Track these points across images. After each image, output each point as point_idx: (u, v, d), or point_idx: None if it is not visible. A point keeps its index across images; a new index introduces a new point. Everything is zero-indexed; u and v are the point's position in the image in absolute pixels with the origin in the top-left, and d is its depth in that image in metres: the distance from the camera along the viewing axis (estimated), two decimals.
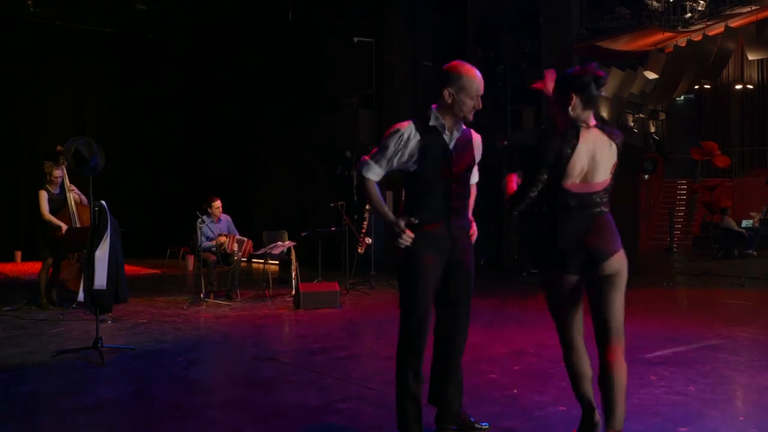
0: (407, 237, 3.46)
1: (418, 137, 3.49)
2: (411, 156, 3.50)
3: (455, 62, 3.62)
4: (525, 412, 4.22)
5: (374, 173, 3.54)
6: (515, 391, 4.63)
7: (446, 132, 3.59)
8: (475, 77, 3.56)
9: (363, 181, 3.56)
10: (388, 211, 3.54)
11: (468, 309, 3.75)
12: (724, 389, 4.62)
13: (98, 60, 18.13)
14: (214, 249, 9.14)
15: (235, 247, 9.09)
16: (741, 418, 3.99)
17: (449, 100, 3.52)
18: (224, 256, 9.15)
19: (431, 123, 3.56)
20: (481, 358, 5.60)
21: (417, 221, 3.49)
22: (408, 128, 3.51)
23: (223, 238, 9.11)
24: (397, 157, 3.50)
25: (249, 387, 4.81)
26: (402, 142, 3.48)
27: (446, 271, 3.60)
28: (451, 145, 3.60)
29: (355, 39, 14.30)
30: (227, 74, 17.55)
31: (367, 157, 3.55)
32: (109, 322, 7.25)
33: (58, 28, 16.38)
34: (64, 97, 18.03)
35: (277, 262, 11.44)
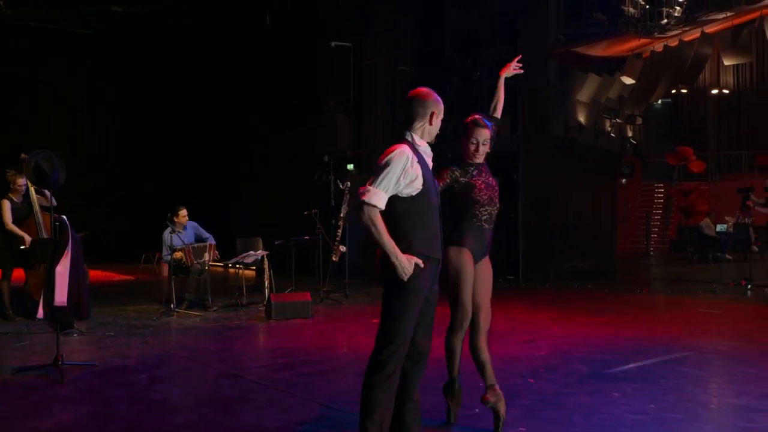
0: (411, 268, 3.36)
1: (416, 160, 3.42)
2: (412, 180, 3.39)
3: (425, 88, 3.63)
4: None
5: (382, 201, 3.32)
6: (477, 410, 4.61)
7: (426, 156, 3.58)
8: (441, 101, 3.64)
9: (368, 210, 3.29)
10: (394, 244, 3.33)
11: (431, 337, 3.74)
12: (684, 407, 4.63)
13: (75, 62, 17.93)
14: (174, 263, 9.02)
15: (193, 257, 8.98)
16: None
17: (432, 124, 3.55)
18: (181, 268, 9.04)
19: (418, 146, 3.53)
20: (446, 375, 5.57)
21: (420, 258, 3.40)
22: (409, 150, 3.41)
23: (179, 254, 8.98)
24: (403, 181, 3.36)
25: (210, 407, 4.75)
26: (409, 164, 3.36)
27: (426, 299, 3.56)
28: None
29: (333, 43, 14.24)
30: (207, 79, 17.43)
31: (370, 186, 3.32)
32: (75, 335, 7.16)
33: (32, 30, 16.18)
34: (40, 99, 17.82)
35: (254, 267, 11.38)
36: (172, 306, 8.69)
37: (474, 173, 4.20)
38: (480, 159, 4.23)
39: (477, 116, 4.24)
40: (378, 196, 3.32)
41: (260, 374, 5.70)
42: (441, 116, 3.61)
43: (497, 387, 4.14)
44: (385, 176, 3.33)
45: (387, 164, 3.35)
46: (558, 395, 5.00)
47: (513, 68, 4.63)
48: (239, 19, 16.22)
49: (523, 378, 5.48)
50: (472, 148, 4.17)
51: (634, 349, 6.48)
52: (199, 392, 5.25)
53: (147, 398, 4.97)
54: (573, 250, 13.64)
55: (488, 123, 4.24)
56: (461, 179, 4.15)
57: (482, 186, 4.18)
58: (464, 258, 4.09)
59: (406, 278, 3.35)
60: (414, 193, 3.43)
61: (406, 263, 3.34)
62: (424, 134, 3.56)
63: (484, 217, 4.19)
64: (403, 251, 3.36)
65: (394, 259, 3.33)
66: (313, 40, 14.78)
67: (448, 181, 4.13)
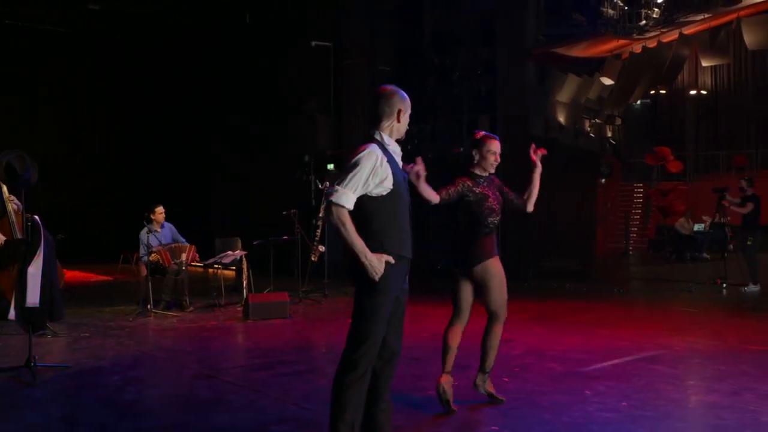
0: (382, 267, 3.35)
1: (386, 159, 3.40)
2: (382, 180, 3.38)
3: (390, 86, 3.62)
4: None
5: (350, 201, 3.30)
6: (455, 407, 4.63)
7: (395, 155, 3.55)
8: (407, 98, 3.62)
9: (337, 210, 3.27)
10: (363, 244, 3.32)
11: (402, 336, 3.74)
12: (655, 405, 4.68)
13: (50, 60, 17.73)
14: (152, 265, 8.96)
15: (170, 257, 8.92)
16: None
17: (400, 122, 3.56)
18: (158, 268, 8.98)
19: (387, 145, 3.51)
20: (424, 373, 5.60)
21: (391, 256, 3.38)
22: (378, 150, 3.39)
23: (155, 256, 8.92)
24: (372, 181, 3.34)
25: (183, 409, 4.74)
26: (378, 164, 3.35)
27: (397, 298, 3.56)
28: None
29: (313, 43, 14.24)
30: (186, 78, 17.34)
31: (338, 185, 3.30)
32: (49, 336, 7.09)
33: (7, 27, 16.00)
34: (13, 99, 17.60)
35: (233, 268, 11.33)
36: (149, 307, 8.63)
37: (484, 184, 4.61)
38: (493, 169, 4.65)
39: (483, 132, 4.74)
40: (346, 197, 3.29)
41: (236, 375, 5.69)
42: (408, 112, 3.62)
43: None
44: (354, 176, 3.30)
45: (356, 164, 3.32)
46: (531, 394, 5.04)
47: (535, 154, 4.76)
48: (219, 17, 16.14)
49: (498, 377, 5.49)
50: (492, 158, 4.58)
51: (608, 348, 6.53)
52: (174, 393, 5.22)
53: (119, 400, 4.93)
54: (553, 250, 13.72)
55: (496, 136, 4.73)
56: (475, 189, 4.55)
57: (492, 196, 4.61)
58: (500, 265, 4.71)
59: (377, 278, 3.33)
60: (384, 193, 3.41)
61: (376, 262, 3.33)
62: (392, 132, 3.56)
63: (494, 225, 4.65)
64: (375, 250, 3.34)
65: (363, 259, 3.31)
66: (294, 40, 14.76)
67: (459, 189, 4.51)
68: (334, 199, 3.29)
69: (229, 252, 9.51)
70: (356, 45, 14.02)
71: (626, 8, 17.19)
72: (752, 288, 10.61)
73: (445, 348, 4.68)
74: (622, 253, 19.03)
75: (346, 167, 3.37)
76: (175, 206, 10.27)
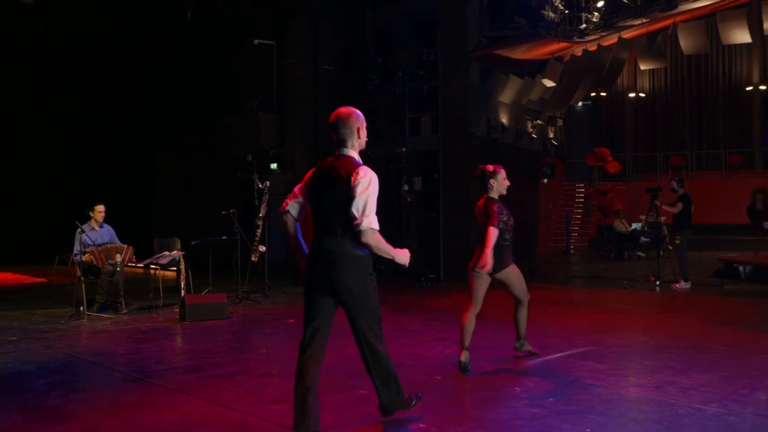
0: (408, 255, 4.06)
1: None
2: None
3: (344, 108, 4.04)
4: (385, 430, 4.24)
5: (377, 221, 3.84)
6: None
7: None
8: (361, 114, 4.10)
9: (374, 234, 3.79)
10: (392, 248, 3.94)
11: None
12: (580, 400, 4.78)
13: None
14: (86, 266, 8.75)
15: (118, 258, 8.73)
16: (588, 430, 4.14)
17: (360, 137, 4.02)
18: (91, 269, 8.78)
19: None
20: (356, 373, 5.60)
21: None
22: (370, 169, 3.89)
23: (88, 257, 8.71)
24: None
25: (108, 413, 4.63)
26: (376, 181, 3.88)
27: None
28: None
29: (256, 41, 14.12)
30: (125, 75, 16.95)
31: (363, 215, 3.76)
32: None
33: None
34: None
35: (174, 268, 11.13)
36: (81, 309, 8.41)
37: (503, 206, 5.83)
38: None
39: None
40: (375, 220, 3.82)
41: (166, 377, 5.59)
42: (365, 126, 4.06)
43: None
44: (370, 199, 3.79)
45: (365, 187, 3.78)
46: (462, 391, 5.10)
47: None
48: (159, 14, 15.84)
49: (431, 375, 5.56)
50: (507, 183, 5.89)
51: (541, 345, 6.63)
52: (100, 397, 5.10)
53: (42, 405, 4.80)
54: None
55: None
56: (505, 211, 5.77)
57: (510, 217, 5.84)
58: (516, 268, 6.02)
59: (407, 262, 4.01)
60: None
61: (403, 254, 4.01)
62: (357, 147, 4.03)
63: (511, 239, 5.93)
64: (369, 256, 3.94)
65: (399, 259, 3.98)
66: (236, 38, 14.61)
67: (504, 217, 5.76)
68: (372, 226, 3.78)
69: (166, 252, 9.34)
70: (299, 44, 13.96)
71: (567, 12, 17.54)
72: (683, 285, 10.95)
73: (462, 330, 5.69)
74: (563, 252, 19.44)
75: (349, 189, 3.78)
76: (115, 206, 10.02)
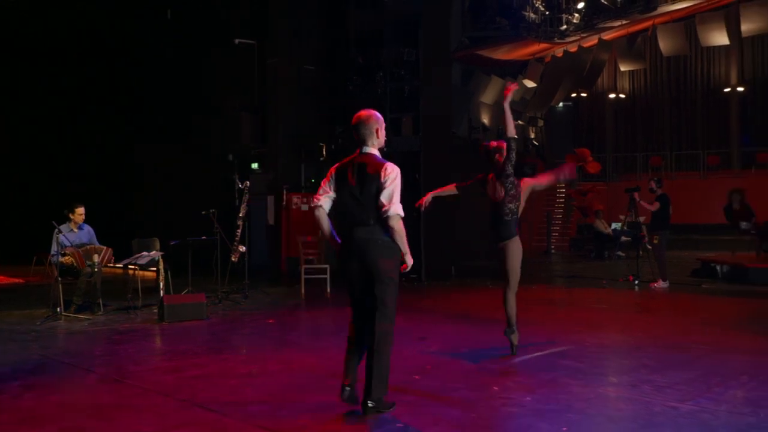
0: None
1: None
2: None
3: (365, 111, 4.52)
4: (363, 430, 4.24)
5: (402, 211, 4.35)
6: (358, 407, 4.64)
7: None
8: (380, 116, 4.60)
9: (399, 220, 4.32)
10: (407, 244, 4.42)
11: None
12: (558, 398, 4.81)
13: None
14: (65, 266, 8.65)
15: (96, 258, 8.64)
16: (564, 429, 4.16)
17: (379, 137, 4.48)
18: (70, 270, 8.69)
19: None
20: (336, 373, 5.59)
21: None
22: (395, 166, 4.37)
23: (68, 258, 8.62)
24: None
25: (85, 414, 4.59)
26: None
27: None
28: None
29: (237, 40, 14.06)
30: (105, 75, 16.80)
31: (390, 203, 4.27)
32: None
33: None
34: None
35: (154, 269, 11.04)
36: (58, 310, 8.32)
37: None
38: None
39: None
40: (401, 208, 4.33)
41: (144, 378, 5.54)
42: (384, 126, 4.54)
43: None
44: (396, 190, 4.30)
45: (392, 180, 4.28)
46: (441, 391, 5.10)
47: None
48: (139, 13, 15.72)
49: (410, 375, 5.56)
50: None
51: (520, 344, 6.65)
52: (76, 398, 5.05)
53: (16, 407, 4.74)
54: (476, 248, 13.94)
55: None
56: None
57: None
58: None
59: (410, 265, 4.50)
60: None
61: (410, 257, 4.48)
62: (377, 145, 4.50)
63: None
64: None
65: (407, 257, 4.46)
66: (217, 37, 14.53)
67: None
68: (398, 212, 4.29)
69: (145, 252, 9.25)
70: (281, 43, 13.92)
71: (548, 13, 17.68)
72: (662, 285, 11.06)
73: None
74: (544, 252, 19.55)
75: (380, 184, 4.28)
76: (94, 206, 9.91)
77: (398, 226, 4.32)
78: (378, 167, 4.32)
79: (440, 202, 12.28)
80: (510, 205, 5.99)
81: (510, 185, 5.98)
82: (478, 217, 14.08)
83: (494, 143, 6.17)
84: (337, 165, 4.57)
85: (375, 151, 4.47)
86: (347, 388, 4.47)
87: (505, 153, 5.97)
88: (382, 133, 4.50)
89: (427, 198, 6.11)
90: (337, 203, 4.49)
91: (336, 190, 4.47)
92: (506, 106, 5.97)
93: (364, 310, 4.50)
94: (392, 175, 4.30)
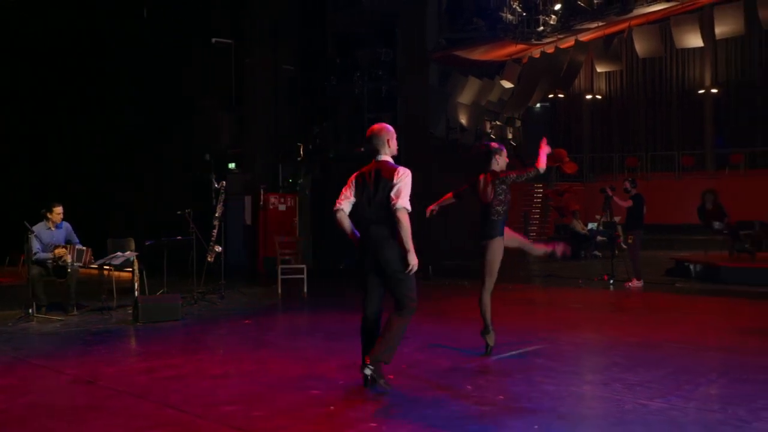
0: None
1: None
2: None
3: (377, 125, 5.12)
4: (336, 430, 4.25)
5: (410, 206, 4.83)
6: (332, 408, 4.65)
7: None
8: (391, 128, 5.16)
9: (405, 214, 4.79)
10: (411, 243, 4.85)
11: None
12: (530, 397, 4.85)
13: None
14: (50, 262, 8.56)
15: (68, 258, 8.56)
16: (536, 427, 4.20)
17: (391, 146, 5.03)
18: (58, 270, 8.60)
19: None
20: (311, 373, 5.60)
21: None
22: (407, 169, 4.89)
23: (61, 250, 8.53)
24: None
25: (54, 417, 4.54)
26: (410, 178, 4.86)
27: None
28: None
29: (214, 40, 13.98)
30: (80, 73, 16.61)
31: (399, 198, 4.76)
32: None
33: None
34: None
35: (130, 269, 10.94)
36: (30, 311, 8.22)
37: None
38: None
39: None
40: (408, 203, 4.81)
41: (116, 380, 5.49)
42: (395, 137, 5.09)
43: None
44: (405, 188, 4.81)
45: (402, 180, 4.80)
46: (415, 390, 5.12)
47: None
48: (115, 12, 15.57)
49: (385, 374, 5.55)
50: (508, 160, 6.28)
51: (496, 343, 6.70)
52: (46, 401, 4.99)
53: None
54: (453, 248, 14.00)
55: None
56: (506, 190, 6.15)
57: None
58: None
59: (413, 269, 4.88)
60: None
61: (415, 258, 4.87)
62: (389, 154, 5.04)
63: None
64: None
65: (410, 256, 4.84)
66: (194, 37, 14.43)
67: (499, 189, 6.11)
68: (405, 206, 4.78)
69: (119, 253, 9.17)
70: (258, 43, 13.87)
71: (525, 14, 17.76)
72: (636, 284, 11.18)
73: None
74: (521, 251, 19.65)
75: (392, 185, 4.79)
76: (69, 205, 9.79)
77: (404, 219, 4.78)
78: (391, 171, 4.87)
79: (418, 201, 12.31)
80: (498, 207, 6.08)
81: (501, 191, 6.08)
82: (453, 217, 14.21)
83: (495, 144, 6.31)
84: (356, 173, 5.11)
85: (388, 158, 5.01)
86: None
87: (519, 172, 6.18)
88: (394, 143, 5.06)
89: (433, 208, 6.26)
90: (357, 205, 5.03)
91: (356, 195, 5.01)
92: (544, 150, 6.13)
93: (373, 302, 5.02)
94: (402, 176, 4.83)
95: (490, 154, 6.20)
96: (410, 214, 4.85)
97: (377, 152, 5.02)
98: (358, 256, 5.05)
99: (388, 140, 5.02)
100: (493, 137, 18.24)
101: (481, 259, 6.18)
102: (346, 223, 5.07)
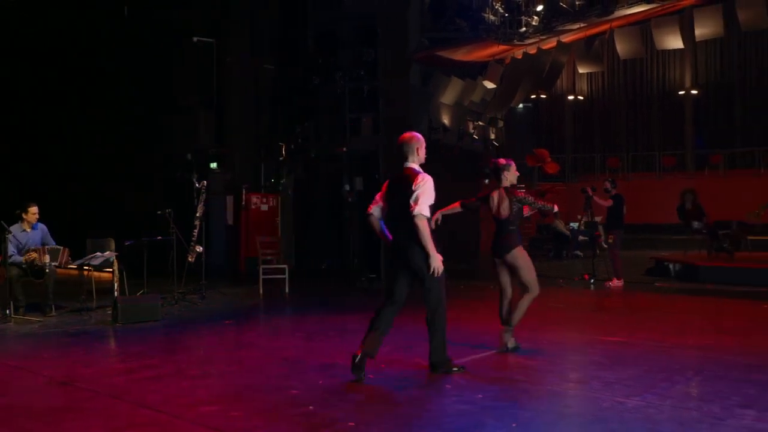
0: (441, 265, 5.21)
1: None
2: (432, 196, 5.16)
3: (407, 133, 5.43)
4: (313, 429, 4.24)
5: (428, 212, 5.14)
6: (311, 407, 4.64)
7: None
8: (420, 137, 5.47)
9: (422, 220, 5.07)
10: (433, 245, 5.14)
11: None
12: (508, 395, 4.88)
13: None
14: (24, 265, 8.47)
15: (47, 259, 8.48)
16: (513, 425, 4.22)
17: (419, 154, 5.31)
18: (35, 271, 8.51)
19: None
20: (291, 373, 5.60)
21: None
22: (429, 176, 5.20)
23: (33, 254, 8.44)
24: (431, 197, 5.15)
25: (30, 418, 4.49)
26: (432, 185, 5.15)
27: None
28: None
29: (195, 39, 13.90)
30: (59, 72, 16.42)
31: (416, 204, 5.06)
32: None
33: None
34: None
35: (110, 269, 10.85)
36: (7, 312, 8.13)
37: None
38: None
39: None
40: (426, 209, 5.10)
41: (94, 381, 5.45)
42: (424, 145, 5.37)
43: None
44: (425, 195, 5.09)
45: (422, 186, 5.09)
46: (393, 389, 5.13)
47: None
48: (95, 10, 15.42)
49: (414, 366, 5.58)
50: (518, 173, 6.44)
51: (473, 342, 6.73)
52: (22, 403, 4.93)
53: None
54: (443, 250, 13.97)
55: None
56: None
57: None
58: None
59: (438, 271, 5.15)
60: (430, 204, 5.18)
61: (438, 260, 5.14)
62: (417, 161, 5.32)
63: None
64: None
65: (433, 260, 5.12)
66: (174, 35, 14.33)
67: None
68: (422, 212, 5.06)
69: (98, 253, 9.10)
70: (240, 42, 13.82)
71: (507, 15, 17.81)
72: (616, 283, 11.26)
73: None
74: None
75: (411, 190, 5.08)
76: (47, 205, 9.69)
77: (422, 225, 5.05)
78: (414, 177, 5.18)
79: None
80: (513, 220, 6.30)
81: (517, 208, 6.27)
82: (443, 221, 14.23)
83: (503, 161, 6.45)
84: (388, 180, 5.48)
85: (415, 166, 5.30)
86: (355, 358, 5.23)
87: (536, 199, 6.55)
88: (422, 151, 5.35)
89: (437, 216, 6.19)
90: (387, 210, 5.36)
91: (386, 200, 5.36)
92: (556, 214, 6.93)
93: (391, 299, 5.35)
94: (422, 182, 5.12)
95: (499, 171, 6.37)
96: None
97: (405, 159, 5.31)
98: (390, 255, 5.48)
99: (417, 149, 5.30)
100: (476, 138, 18.28)
101: (514, 271, 6.37)
102: (377, 226, 5.42)
